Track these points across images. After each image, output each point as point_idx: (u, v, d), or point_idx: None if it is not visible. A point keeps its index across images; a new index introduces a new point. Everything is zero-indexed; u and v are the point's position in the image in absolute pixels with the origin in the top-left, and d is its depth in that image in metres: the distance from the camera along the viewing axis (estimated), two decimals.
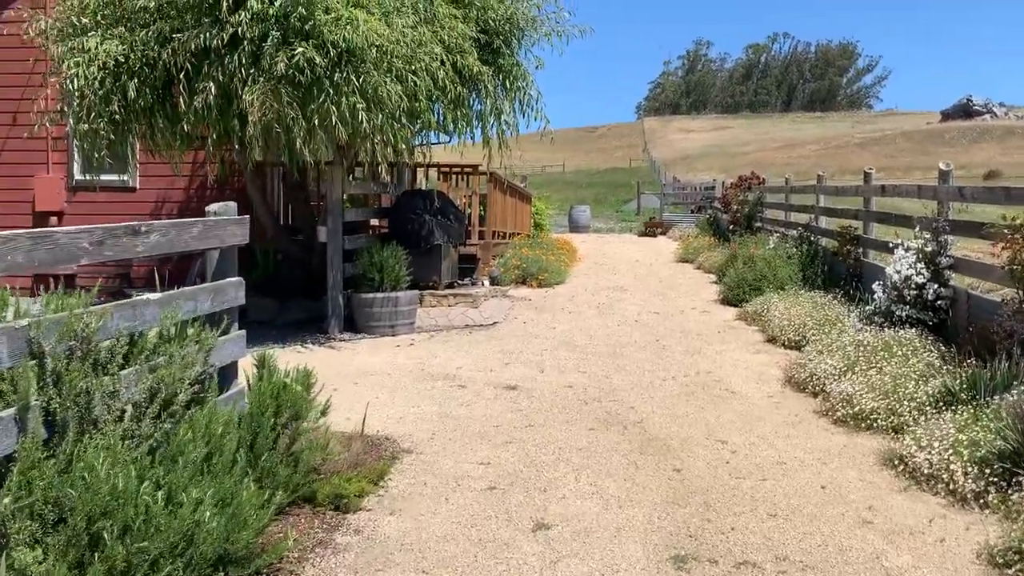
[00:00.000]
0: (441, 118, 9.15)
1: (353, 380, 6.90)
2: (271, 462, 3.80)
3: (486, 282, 11.51)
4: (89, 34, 8.06)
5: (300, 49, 7.49)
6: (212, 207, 4.51)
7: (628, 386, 6.79)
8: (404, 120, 8.11)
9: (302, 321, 9.88)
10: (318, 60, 7.52)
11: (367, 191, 10.65)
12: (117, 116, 8.25)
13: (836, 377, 6.28)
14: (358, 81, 7.71)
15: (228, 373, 4.54)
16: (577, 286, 13.26)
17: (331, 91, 7.68)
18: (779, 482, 4.60)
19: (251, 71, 7.75)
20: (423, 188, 10.66)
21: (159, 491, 3.13)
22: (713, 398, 6.46)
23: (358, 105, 7.66)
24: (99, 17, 8.23)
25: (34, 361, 3.02)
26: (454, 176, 12.06)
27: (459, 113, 9.09)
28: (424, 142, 11.05)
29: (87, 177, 11.83)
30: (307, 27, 7.65)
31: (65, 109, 8.58)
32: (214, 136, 8.65)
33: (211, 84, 7.78)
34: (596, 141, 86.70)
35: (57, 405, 3.05)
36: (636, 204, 39.56)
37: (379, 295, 8.94)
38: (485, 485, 4.47)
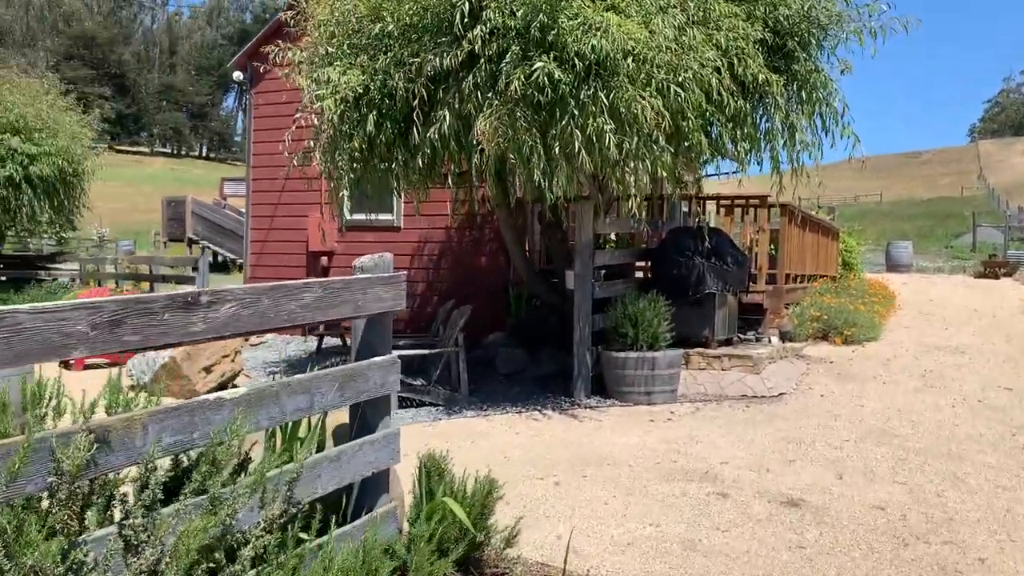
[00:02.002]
0: (717, 138, 7.45)
1: (583, 470, 5.45)
2: None
3: (774, 338, 9.47)
4: (334, 64, 7.54)
5: (539, 64, 6.31)
6: (359, 261, 3.34)
7: (973, 514, 4.63)
8: (664, 142, 6.58)
9: (551, 375, 8.68)
10: (560, 75, 6.29)
11: (622, 229, 9.16)
12: (357, 153, 7.64)
13: None
14: (607, 98, 6.37)
15: (371, 488, 3.31)
16: (894, 344, 10.69)
17: (575, 112, 6.41)
18: None
19: (487, 94, 6.73)
20: (696, 224, 8.92)
21: None
22: None
23: (606, 127, 6.31)
24: (345, 46, 7.68)
25: None
26: (737, 209, 10.16)
27: (739, 133, 7.32)
28: (700, 174, 9.38)
29: (355, 217, 11.67)
30: (549, 38, 6.47)
31: (312, 145, 8.16)
32: (455, 170, 7.77)
33: (446, 112, 6.87)
34: (919, 168, 77.82)
35: None
36: (971, 238, 33.95)
37: (632, 355, 7.39)
38: None
